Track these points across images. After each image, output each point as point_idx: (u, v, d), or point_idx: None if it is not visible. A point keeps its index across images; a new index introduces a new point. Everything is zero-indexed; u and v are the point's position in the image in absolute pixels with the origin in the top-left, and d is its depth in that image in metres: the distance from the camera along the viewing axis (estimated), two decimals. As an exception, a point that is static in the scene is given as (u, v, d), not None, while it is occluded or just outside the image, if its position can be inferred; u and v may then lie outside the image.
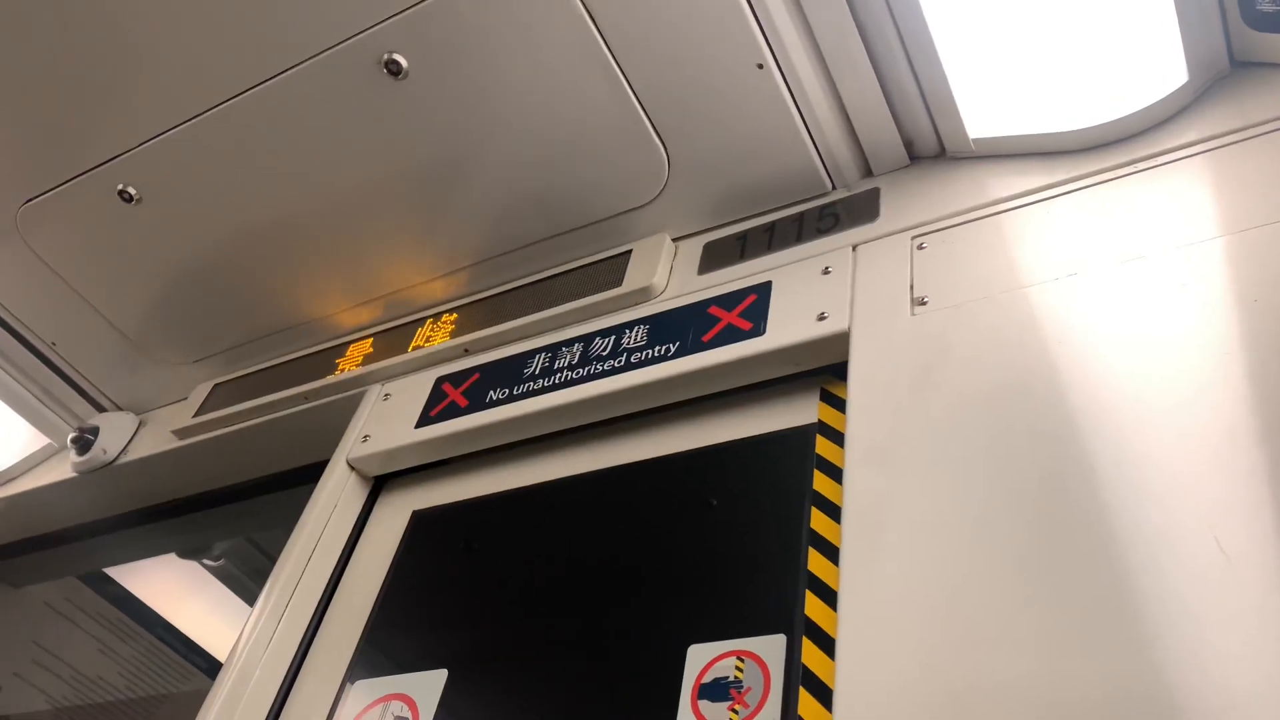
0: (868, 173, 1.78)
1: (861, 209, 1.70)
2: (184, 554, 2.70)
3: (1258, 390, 1.11)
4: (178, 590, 2.74)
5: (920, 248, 1.55)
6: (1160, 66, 1.47)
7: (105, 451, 2.43)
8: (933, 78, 1.59)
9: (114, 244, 2.15)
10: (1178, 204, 1.37)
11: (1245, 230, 1.27)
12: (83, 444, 2.43)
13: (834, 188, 1.78)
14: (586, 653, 1.47)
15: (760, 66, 1.60)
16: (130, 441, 2.48)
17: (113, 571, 2.80)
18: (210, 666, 2.64)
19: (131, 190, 2.01)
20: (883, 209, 1.68)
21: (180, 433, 2.33)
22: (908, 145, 1.72)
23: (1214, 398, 1.12)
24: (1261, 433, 1.07)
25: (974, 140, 1.64)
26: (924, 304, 1.45)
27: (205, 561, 2.68)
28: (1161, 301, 1.25)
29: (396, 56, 1.71)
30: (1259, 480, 1.03)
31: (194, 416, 2.30)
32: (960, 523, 1.15)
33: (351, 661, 1.64)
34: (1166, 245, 1.31)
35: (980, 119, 1.62)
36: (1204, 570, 0.98)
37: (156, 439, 2.42)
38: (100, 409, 2.57)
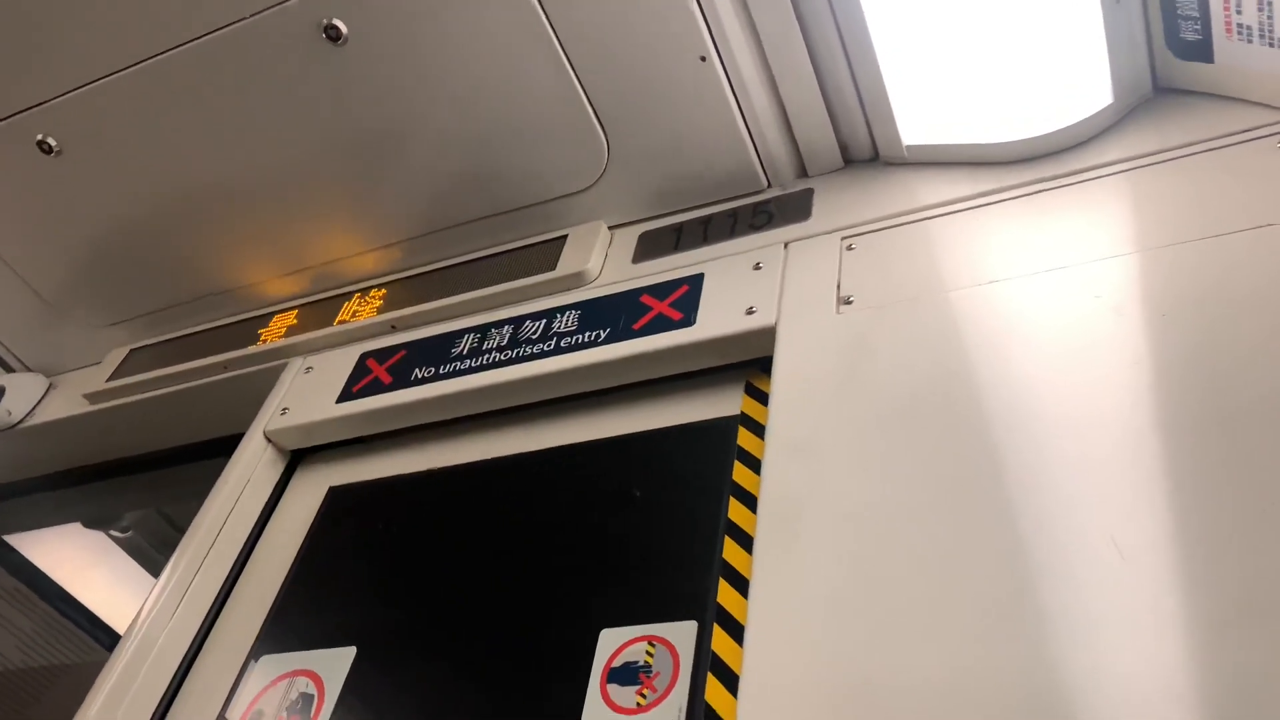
0: (803, 173, 1.80)
1: (795, 208, 1.72)
2: (90, 523, 2.60)
3: (1161, 400, 1.15)
4: (82, 561, 2.64)
5: (849, 249, 1.58)
6: (1087, 87, 1.52)
7: (10, 413, 2.34)
8: (871, 84, 1.62)
9: (31, 197, 2.08)
10: (1096, 219, 1.42)
11: (1157, 248, 1.31)
12: (-13, 405, 2.35)
13: (769, 185, 1.80)
14: (498, 634, 1.46)
15: (703, 59, 1.61)
16: (38, 404, 2.40)
17: (12, 539, 2.69)
18: (112, 641, 2.54)
19: (51, 141, 1.95)
20: (815, 209, 1.71)
21: (92, 397, 2.26)
22: (843, 148, 1.75)
23: (1121, 406, 1.16)
24: (1162, 441, 1.11)
25: (907, 147, 1.67)
26: (849, 303, 1.47)
27: (112, 532, 2.59)
28: (1076, 312, 1.29)
29: (337, 21, 1.68)
30: (1157, 486, 1.07)
31: (108, 381, 2.24)
32: (872, 519, 1.18)
33: (258, 637, 1.61)
34: (1084, 258, 1.35)
35: (915, 127, 1.65)
36: (1102, 572, 1.01)
37: (67, 402, 2.34)
38: (9, 369, 2.48)
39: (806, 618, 1.11)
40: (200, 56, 1.76)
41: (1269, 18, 1.32)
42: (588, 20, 1.62)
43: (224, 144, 1.90)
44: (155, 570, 2.56)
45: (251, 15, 1.69)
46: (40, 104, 1.89)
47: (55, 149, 1.95)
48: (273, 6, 1.67)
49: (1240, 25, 1.37)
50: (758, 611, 1.14)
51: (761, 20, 1.60)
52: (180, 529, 2.53)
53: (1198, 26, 1.42)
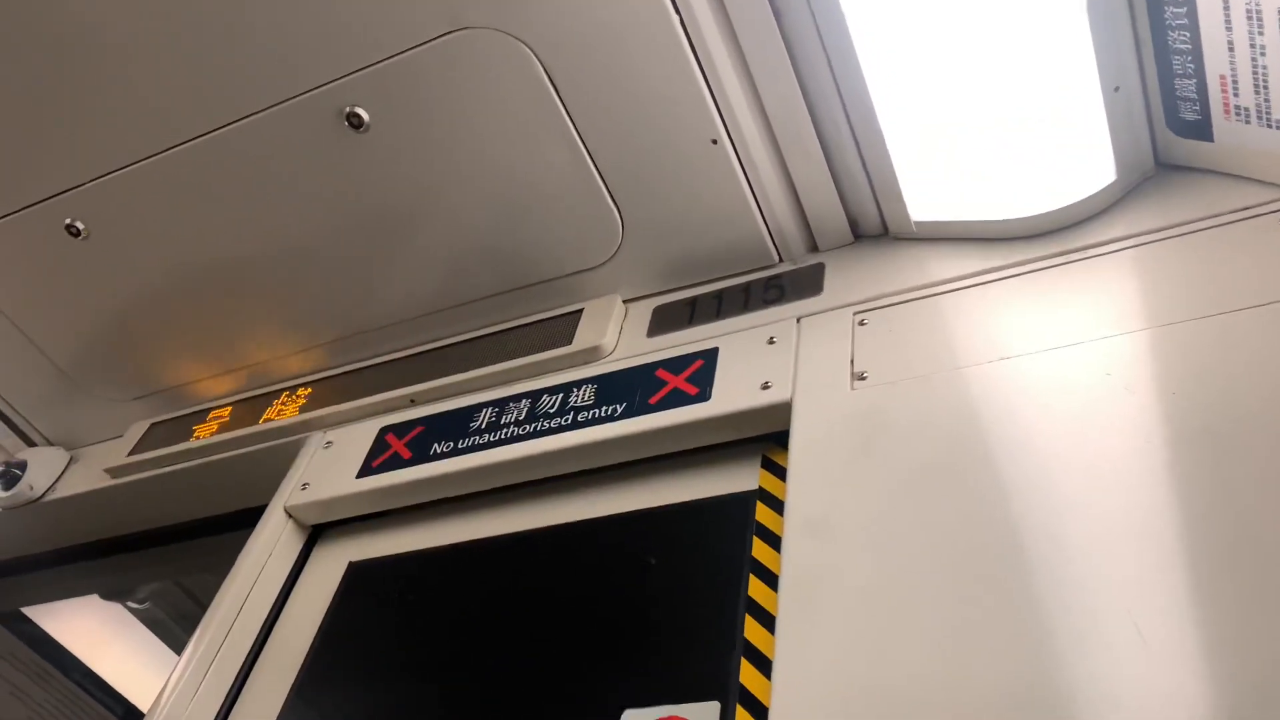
0: (813, 248, 1.84)
1: (806, 283, 1.76)
2: (108, 595, 2.62)
3: (1175, 479, 1.16)
4: (99, 633, 2.65)
5: (861, 324, 1.61)
6: (1090, 165, 1.55)
7: (32, 488, 2.37)
8: (879, 162, 1.66)
9: (56, 278, 2.13)
10: (1104, 296, 1.44)
11: (1165, 325, 1.34)
12: (8, 479, 2.37)
13: (781, 261, 1.84)
14: (521, 713, 1.46)
15: (714, 142, 1.66)
16: (59, 478, 2.42)
17: (30, 611, 2.70)
18: (128, 712, 2.55)
19: (79, 225, 2.00)
20: (826, 284, 1.74)
21: (113, 471, 2.28)
22: (853, 224, 1.78)
23: (1135, 483, 1.17)
24: (1177, 520, 1.12)
25: (916, 223, 1.71)
26: (863, 379, 1.50)
27: (130, 604, 2.60)
28: (1087, 389, 1.31)
29: (359, 110, 1.73)
30: (1175, 566, 1.08)
31: (128, 455, 2.26)
32: (893, 598, 1.19)
33: (280, 715, 1.61)
34: (1093, 335, 1.38)
35: (923, 203, 1.69)
36: (1124, 654, 1.02)
37: (87, 477, 2.37)
38: (30, 443, 2.51)
39: (831, 699, 1.12)
40: (225, 144, 1.81)
41: (1265, 100, 1.36)
42: (602, 105, 1.67)
43: (246, 226, 1.95)
44: (172, 642, 2.57)
45: (276, 104, 1.75)
46: (69, 190, 1.94)
47: (82, 232, 2.00)
48: (296, 96, 1.73)
49: (1238, 107, 1.41)
50: (781, 693, 1.15)
51: (770, 103, 1.64)
52: (198, 601, 2.55)
53: (1196, 107, 1.47)
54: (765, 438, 1.58)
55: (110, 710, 2.57)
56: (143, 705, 2.27)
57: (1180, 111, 1.50)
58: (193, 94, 1.77)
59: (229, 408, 2.24)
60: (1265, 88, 1.35)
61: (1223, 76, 1.40)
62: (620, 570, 1.58)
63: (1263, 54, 1.32)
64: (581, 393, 1.77)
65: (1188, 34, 1.40)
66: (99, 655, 2.60)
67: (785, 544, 1.31)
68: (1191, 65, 1.43)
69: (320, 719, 1.61)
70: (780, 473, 1.51)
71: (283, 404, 2.14)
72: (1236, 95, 1.40)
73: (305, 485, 1.92)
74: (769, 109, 1.65)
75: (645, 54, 1.59)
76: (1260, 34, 1.31)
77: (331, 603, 1.78)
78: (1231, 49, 1.36)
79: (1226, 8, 1.33)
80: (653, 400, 1.66)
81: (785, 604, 1.24)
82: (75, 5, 1.70)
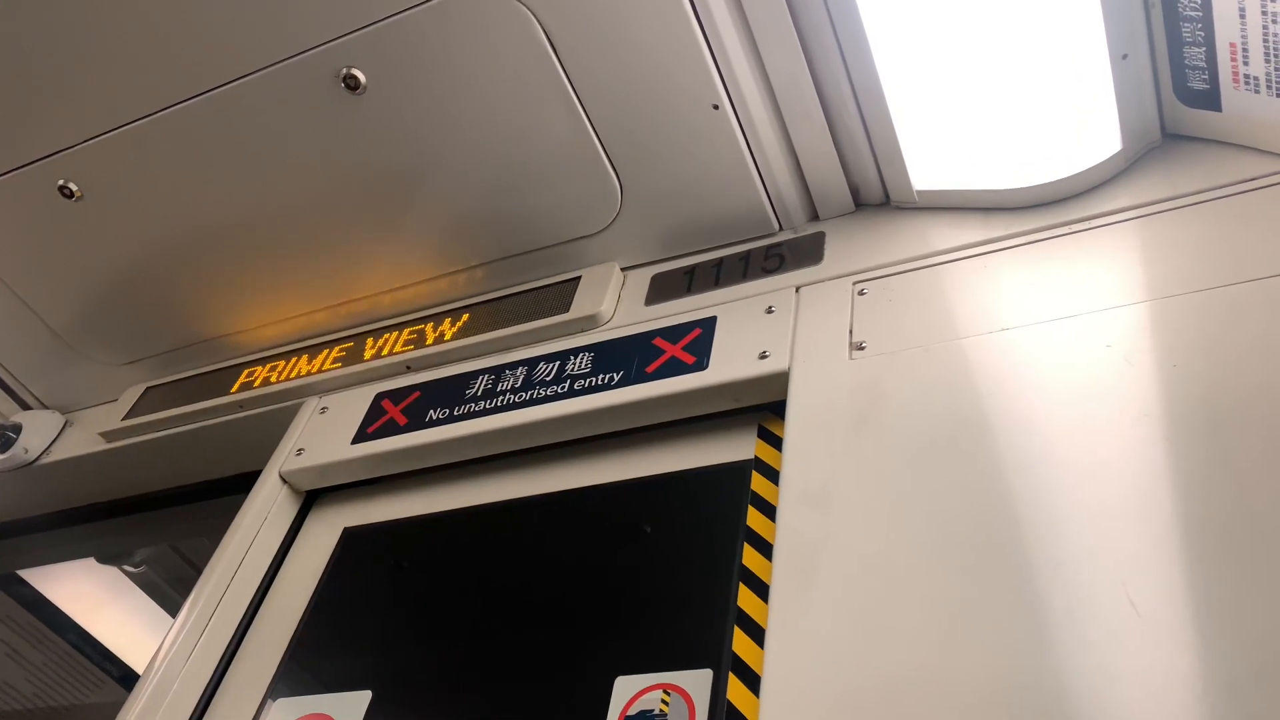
0: (814, 216, 1.82)
1: (806, 251, 1.74)
2: (104, 559, 2.62)
3: (1173, 452, 1.15)
4: (95, 596, 2.66)
5: (861, 293, 1.59)
6: (1096, 133, 1.53)
7: (26, 451, 2.36)
8: (882, 129, 1.64)
9: (51, 240, 2.11)
10: (1106, 267, 1.43)
11: (1168, 297, 1.32)
12: (3, 442, 2.37)
13: (781, 229, 1.82)
14: (514, 680, 1.46)
15: (716, 107, 1.64)
16: (54, 441, 2.41)
17: (26, 574, 2.71)
18: (123, 674, 2.56)
19: (73, 187, 1.97)
20: (827, 253, 1.72)
21: (108, 435, 2.28)
22: (854, 192, 1.76)
23: (1133, 457, 1.17)
24: (1175, 495, 1.11)
25: (918, 191, 1.69)
26: (862, 349, 1.49)
27: (126, 567, 2.61)
28: (1087, 361, 1.30)
29: (355, 71, 1.71)
30: (1172, 541, 1.07)
31: (123, 419, 2.25)
32: (888, 569, 1.18)
33: (274, 679, 1.62)
34: (1094, 306, 1.36)
35: (925, 172, 1.67)
36: (1117, 625, 1.02)
37: (83, 440, 2.36)
38: (25, 406, 2.50)
39: (824, 669, 1.12)
40: (220, 105, 1.78)
41: (1276, 69, 1.34)
42: (602, 69, 1.64)
43: (242, 188, 1.93)
44: (168, 605, 2.57)
45: (270, 65, 1.72)
46: (62, 150, 1.92)
47: (76, 194, 1.98)
48: (291, 57, 1.70)
49: (1248, 76, 1.38)
50: (774, 662, 1.15)
51: (773, 68, 1.62)
52: (193, 565, 2.56)
53: (1205, 76, 1.44)
54: (762, 407, 1.58)
55: (106, 672, 2.58)
56: (138, 667, 2.29)
57: (1189, 80, 1.48)
58: (187, 54, 1.75)
59: (224, 372, 2.23)
60: (1277, 56, 1.32)
61: (1233, 44, 1.37)
62: (615, 538, 1.58)
63: (1275, 21, 1.30)
64: (578, 360, 1.76)
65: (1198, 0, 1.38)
66: (95, 618, 2.60)
67: (780, 514, 1.31)
68: (1201, 32, 1.40)
69: (315, 683, 1.61)
70: (777, 443, 1.50)
71: (277, 369, 2.12)
72: (1247, 64, 1.37)
73: (300, 451, 1.91)
74: (772, 74, 1.62)
75: (646, 16, 1.56)
76: (1273, 0, 1.28)
77: (326, 568, 1.78)
78: (1243, 15, 1.33)
79: (1239, -27, 1.30)
80: (650, 369, 1.65)
81: (779, 574, 1.24)
82: (66, -38, 1.67)
